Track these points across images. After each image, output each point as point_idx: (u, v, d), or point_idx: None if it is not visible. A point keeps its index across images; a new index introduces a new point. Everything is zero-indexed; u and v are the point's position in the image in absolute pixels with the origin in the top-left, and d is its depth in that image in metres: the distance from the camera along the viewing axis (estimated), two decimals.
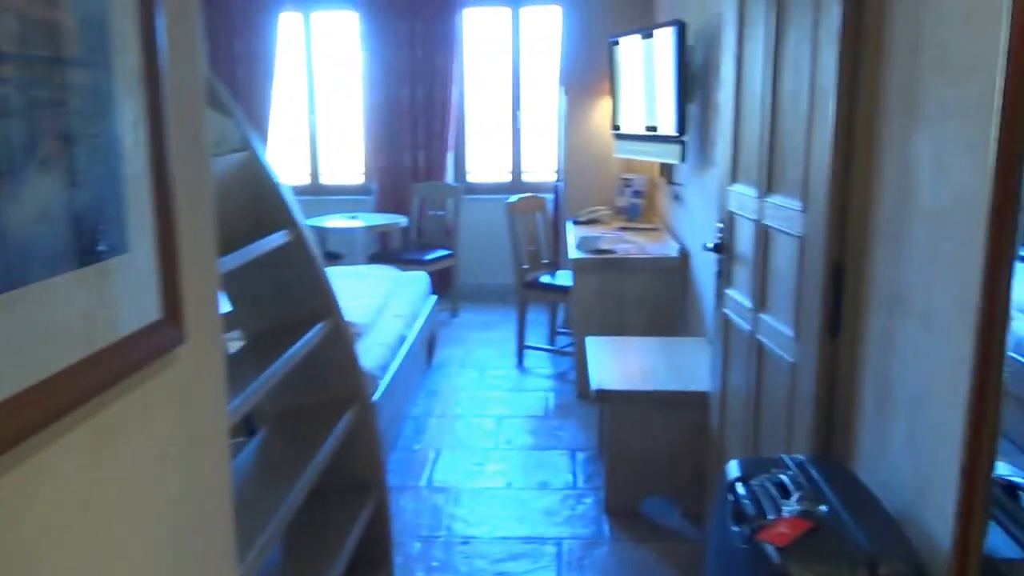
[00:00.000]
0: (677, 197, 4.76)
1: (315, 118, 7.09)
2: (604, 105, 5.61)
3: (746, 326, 2.49)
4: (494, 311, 6.61)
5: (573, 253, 4.56)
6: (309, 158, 7.16)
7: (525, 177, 7.07)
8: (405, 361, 4.16)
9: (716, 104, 3.53)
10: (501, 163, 7.12)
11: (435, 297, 5.42)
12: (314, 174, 7.18)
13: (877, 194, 1.80)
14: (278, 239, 2.18)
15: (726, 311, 2.69)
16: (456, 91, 6.76)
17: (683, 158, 4.21)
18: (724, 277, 2.72)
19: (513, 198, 5.24)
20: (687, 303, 4.44)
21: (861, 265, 1.87)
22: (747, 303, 2.48)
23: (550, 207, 6.07)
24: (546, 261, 5.45)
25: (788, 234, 2.14)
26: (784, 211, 2.16)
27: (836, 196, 1.89)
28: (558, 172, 6.40)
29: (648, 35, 4.41)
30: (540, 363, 5.31)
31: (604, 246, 4.57)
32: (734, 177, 2.59)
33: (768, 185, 2.29)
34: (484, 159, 7.14)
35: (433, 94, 6.70)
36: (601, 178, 5.86)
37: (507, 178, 7.10)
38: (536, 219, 5.43)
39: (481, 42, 6.95)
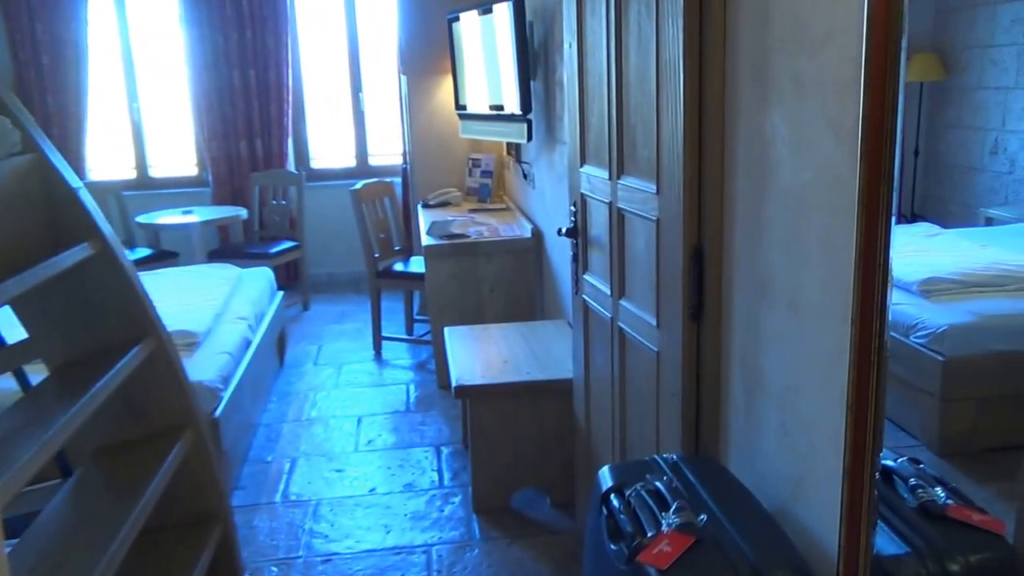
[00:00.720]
0: (527, 176, 4.65)
1: (139, 107, 6.56)
2: (447, 84, 5.42)
3: (606, 313, 2.38)
4: (347, 301, 6.36)
5: (425, 239, 4.38)
6: (135, 150, 6.63)
7: (372, 161, 6.83)
8: (251, 366, 3.88)
9: (560, 81, 3.41)
10: (345, 148, 6.83)
11: (282, 292, 5.12)
12: (141, 167, 6.67)
13: (734, 174, 1.71)
14: (78, 253, 1.90)
15: (584, 297, 2.58)
16: (292, 74, 6.40)
17: (529, 137, 4.09)
18: (580, 262, 2.60)
19: (359, 184, 4.99)
20: (544, 285, 4.35)
21: (721, 249, 1.78)
22: (606, 289, 2.37)
23: (398, 191, 5.85)
24: (398, 248, 5.24)
25: (643, 217, 2.03)
26: (638, 193, 2.06)
27: (690, 176, 1.79)
28: (405, 155, 6.18)
29: (487, 11, 4.24)
30: (399, 354, 5.11)
31: (456, 230, 4.41)
32: (583, 159, 2.47)
33: (619, 166, 2.17)
34: (327, 144, 6.84)
35: (267, 78, 6.34)
36: (449, 159, 5.68)
37: (352, 163, 6.82)
38: (384, 204, 5.21)
39: (316, 23, 6.61)
